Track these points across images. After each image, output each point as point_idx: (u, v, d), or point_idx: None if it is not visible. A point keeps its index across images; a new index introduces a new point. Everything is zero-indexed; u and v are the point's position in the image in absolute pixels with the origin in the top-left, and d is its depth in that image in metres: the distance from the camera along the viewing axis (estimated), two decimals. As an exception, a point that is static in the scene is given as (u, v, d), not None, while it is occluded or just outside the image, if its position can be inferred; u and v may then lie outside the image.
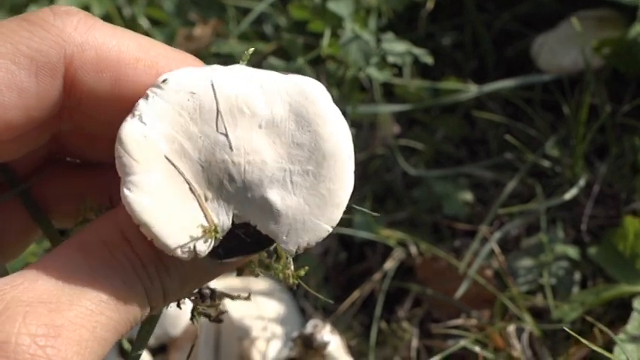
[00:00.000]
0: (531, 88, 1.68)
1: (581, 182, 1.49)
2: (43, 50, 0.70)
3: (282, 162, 0.69)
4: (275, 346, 1.43)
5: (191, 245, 0.66)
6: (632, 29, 1.52)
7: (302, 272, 0.76)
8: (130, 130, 0.66)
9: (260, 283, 1.49)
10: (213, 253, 0.68)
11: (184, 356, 1.41)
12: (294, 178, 0.69)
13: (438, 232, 1.62)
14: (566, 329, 1.14)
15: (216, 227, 0.67)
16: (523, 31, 1.80)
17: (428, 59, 1.49)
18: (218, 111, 0.68)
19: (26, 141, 0.76)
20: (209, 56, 1.80)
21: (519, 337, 1.40)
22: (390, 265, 1.55)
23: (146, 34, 1.81)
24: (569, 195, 1.48)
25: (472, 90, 1.62)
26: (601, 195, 1.53)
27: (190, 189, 0.67)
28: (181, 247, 0.66)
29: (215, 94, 0.69)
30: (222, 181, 0.68)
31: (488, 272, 1.46)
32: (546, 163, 1.56)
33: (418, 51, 1.49)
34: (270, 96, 0.70)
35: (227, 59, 1.81)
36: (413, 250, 1.56)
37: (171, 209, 0.66)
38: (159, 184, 0.66)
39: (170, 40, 1.82)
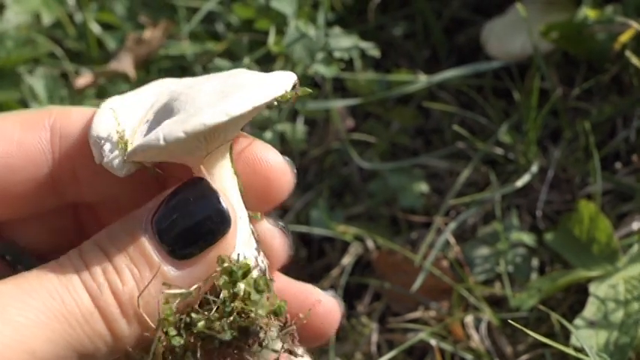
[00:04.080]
0: (482, 76, 1.67)
1: (534, 168, 1.49)
2: (29, 113, 0.79)
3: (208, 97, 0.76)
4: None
5: (102, 142, 0.77)
6: (580, 11, 1.52)
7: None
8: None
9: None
10: (167, 246, 0.73)
11: None
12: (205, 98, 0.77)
13: (396, 224, 1.61)
14: (512, 322, 1.13)
15: (123, 132, 0.77)
16: (474, 18, 1.79)
17: (375, 52, 1.49)
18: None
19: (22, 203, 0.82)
20: (160, 59, 1.79)
21: (478, 328, 1.40)
22: (347, 260, 1.54)
23: (97, 39, 1.80)
24: (522, 182, 1.48)
25: (422, 80, 1.61)
26: (556, 180, 1.53)
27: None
28: (97, 138, 0.77)
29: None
30: (163, 111, 0.78)
31: (445, 263, 1.46)
32: (499, 151, 1.55)
33: (365, 45, 1.48)
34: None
35: (179, 60, 1.80)
36: (370, 244, 1.55)
37: (122, 119, 0.78)
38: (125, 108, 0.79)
39: (121, 45, 1.81)
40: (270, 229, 0.84)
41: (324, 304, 0.90)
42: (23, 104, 1.71)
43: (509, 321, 1.18)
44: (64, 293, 0.72)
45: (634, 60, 1.45)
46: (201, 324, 0.73)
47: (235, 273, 0.74)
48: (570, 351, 1.15)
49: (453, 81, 1.65)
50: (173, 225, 0.74)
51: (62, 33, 1.87)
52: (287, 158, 0.84)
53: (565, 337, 1.32)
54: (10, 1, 1.79)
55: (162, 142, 0.71)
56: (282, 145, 1.59)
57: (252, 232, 0.80)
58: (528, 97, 1.50)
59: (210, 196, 0.75)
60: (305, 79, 1.53)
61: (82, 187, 0.83)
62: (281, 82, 0.77)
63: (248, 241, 0.79)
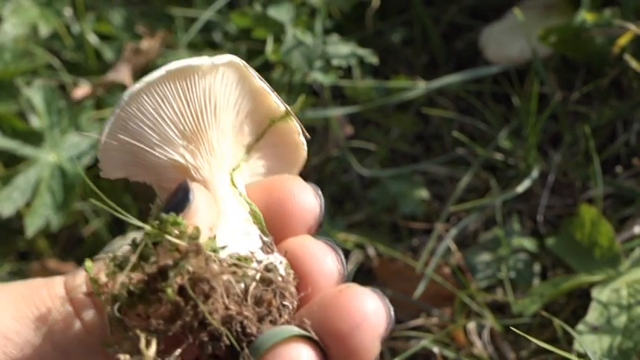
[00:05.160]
0: (481, 81, 1.66)
1: (535, 173, 1.48)
2: None
3: None
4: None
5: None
6: (578, 15, 1.51)
7: None
8: None
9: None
10: None
11: None
12: None
13: (397, 231, 1.60)
14: (515, 330, 1.12)
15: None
16: (472, 23, 1.79)
17: (373, 59, 1.48)
18: None
19: None
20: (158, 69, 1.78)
21: (480, 334, 1.39)
22: (348, 268, 1.53)
23: (95, 50, 1.80)
24: (522, 187, 1.47)
25: (421, 87, 1.60)
26: (557, 184, 1.52)
27: None
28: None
29: None
30: None
31: (446, 270, 1.45)
32: (499, 156, 1.55)
33: (363, 52, 1.48)
34: None
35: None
36: (371, 251, 1.55)
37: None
38: None
39: (119, 55, 1.80)
40: (319, 245, 0.82)
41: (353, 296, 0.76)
42: (21, 116, 1.70)
43: (512, 327, 1.17)
44: (41, 285, 0.75)
45: (633, 63, 1.44)
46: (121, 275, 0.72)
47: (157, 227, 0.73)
48: (574, 357, 1.14)
49: (452, 87, 1.65)
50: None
51: (60, 44, 1.87)
52: (314, 189, 0.84)
53: (568, 342, 1.31)
54: (8, 13, 1.79)
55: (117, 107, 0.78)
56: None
57: (261, 237, 0.80)
58: (528, 101, 1.49)
59: (181, 184, 0.78)
60: (303, 87, 1.53)
61: None
62: (205, 58, 0.80)
63: (242, 238, 0.79)
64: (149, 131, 0.79)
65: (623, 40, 1.47)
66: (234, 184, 0.82)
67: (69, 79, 1.79)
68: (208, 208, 0.77)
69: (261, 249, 0.79)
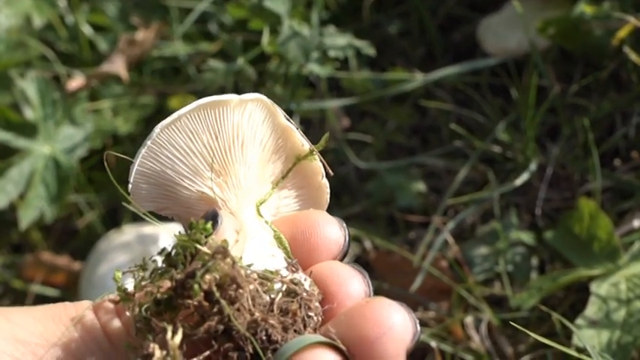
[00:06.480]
0: (479, 73, 1.65)
1: (533, 166, 1.47)
2: None
3: None
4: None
5: None
6: (577, 7, 1.50)
7: None
8: None
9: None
10: None
11: None
12: None
13: (394, 224, 1.59)
14: (513, 324, 1.11)
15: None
16: (469, 15, 1.78)
17: (370, 51, 1.47)
18: None
19: None
20: (153, 60, 1.77)
21: (478, 328, 1.38)
22: (344, 261, 1.52)
23: (89, 41, 1.78)
24: (520, 180, 1.46)
25: (418, 79, 1.59)
26: (555, 177, 1.51)
27: None
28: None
29: None
30: None
31: (444, 263, 1.44)
32: (497, 149, 1.54)
33: (360, 43, 1.47)
34: None
35: (172, 61, 1.78)
36: (368, 245, 1.54)
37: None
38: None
39: (113, 46, 1.79)
40: (345, 268, 0.81)
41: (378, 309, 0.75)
42: (15, 108, 1.69)
43: (510, 321, 1.17)
44: (69, 305, 0.77)
45: (632, 56, 1.43)
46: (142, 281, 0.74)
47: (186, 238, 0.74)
48: (572, 352, 1.13)
49: (449, 79, 1.64)
50: None
51: (54, 35, 1.85)
52: (339, 221, 0.85)
53: (567, 336, 1.31)
54: (1, 3, 1.77)
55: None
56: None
57: (286, 259, 0.81)
58: (526, 94, 1.48)
59: (209, 210, 0.79)
60: (298, 80, 1.51)
61: None
62: (226, 95, 0.80)
63: (268, 259, 0.80)
64: (179, 163, 0.81)
65: (622, 33, 1.46)
66: (259, 214, 0.83)
67: (63, 70, 1.78)
68: (235, 232, 0.78)
69: (286, 268, 0.80)
